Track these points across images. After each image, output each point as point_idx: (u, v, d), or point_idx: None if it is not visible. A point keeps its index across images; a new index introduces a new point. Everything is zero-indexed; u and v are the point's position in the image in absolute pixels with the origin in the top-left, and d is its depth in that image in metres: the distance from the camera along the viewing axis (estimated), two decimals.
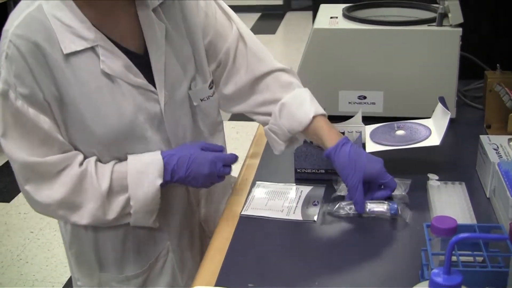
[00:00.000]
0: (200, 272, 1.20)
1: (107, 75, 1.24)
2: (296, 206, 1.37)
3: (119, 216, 1.29)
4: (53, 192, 1.25)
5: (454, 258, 1.02)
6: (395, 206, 1.30)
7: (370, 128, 1.55)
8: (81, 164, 1.27)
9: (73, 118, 1.24)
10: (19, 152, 1.22)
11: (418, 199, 1.36)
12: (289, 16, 7.50)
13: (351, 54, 1.72)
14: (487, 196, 1.36)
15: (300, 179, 1.48)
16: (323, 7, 1.94)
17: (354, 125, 1.52)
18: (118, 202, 1.28)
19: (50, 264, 2.94)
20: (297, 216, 1.34)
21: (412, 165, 1.49)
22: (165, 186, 1.31)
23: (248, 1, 7.49)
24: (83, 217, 1.27)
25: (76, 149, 1.28)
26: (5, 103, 1.19)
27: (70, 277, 1.55)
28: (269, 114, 1.42)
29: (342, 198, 1.36)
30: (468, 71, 1.80)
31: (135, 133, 1.29)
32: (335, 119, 1.50)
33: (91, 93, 1.23)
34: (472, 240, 1.05)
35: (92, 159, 1.28)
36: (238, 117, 3.93)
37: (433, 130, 1.47)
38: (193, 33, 1.37)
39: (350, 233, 1.28)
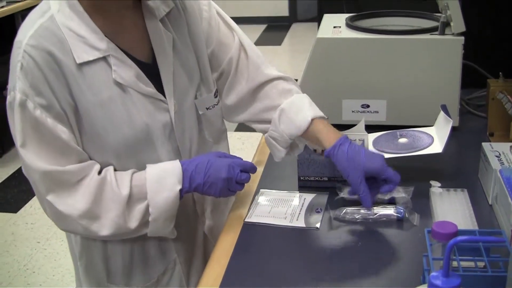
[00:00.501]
0: (204, 277, 1.21)
1: (119, 85, 1.26)
2: (299, 213, 1.38)
3: (140, 224, 1.28)
4: (76, 201, 1.24)
5: (455, 264, 1.03)
6: (402, 209, 1.32)
7: (373, 136, 1.56)
8: (99, 173, 1.27)
9: (86, 127, 1.25)
10: (39, 162, 1.21)
11: (421, 206, 1.36)
12: (295, 27, 7.53)
13: (354, 63, 1.73)
14: (489, 203, 1.37)
15: (304, 187, 1.49)
16: (326, 17, 1.95)
17: (357, 133, 1.53)
18: (138, 209, 1.27)
19: (56, 274, 2.95)
20: (300, 223, 1.35)
21: (415, 172, 1.50)
22: (183, 194, 1.31)
23: (254, 13, 7.54)
24: (104, 226, 1.26)
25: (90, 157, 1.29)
26: (24, 113, 1.19)
27: None
28: (269, 122, 1.42)
29: (347, 203, 1.37)
30: (471, 79, 1.81)
31: (147, 142, 1.31)
32: (338, 128, 1.50)
33: (104, 102, 1.25)
34: (471, 244, 1.05)
35: (111, 168, 1.28)
36: (243, 127, 3.94)
37: (435, 138, 1.48)
38: (197, 43, 1.39)
39: (353, 238, 1.29)
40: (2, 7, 4.04)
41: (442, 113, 1.49)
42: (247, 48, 1.44)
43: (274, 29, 7.48)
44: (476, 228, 1.25)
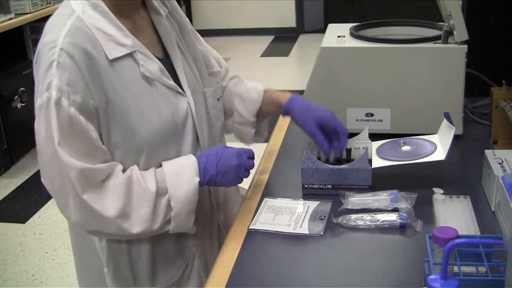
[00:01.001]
0: (208, 284, 1.22)
1: (146, 79, 1.32)
2: (303, 220, 1.39)
3: (164, 221, 1.31)
4: (108, 201, 1.26)
5: (456, 269, 1.04)
6: (405, 216, 1.33)
7: (376, 144, 1.57)
8: (123, 172, 1.30)
9: (118, 123, 1.29)
10: (75, 160, 1.22)
11: (424, 212, 1.37)
12: (302, 38, 7.55)
13: (358, 72, 1.75)
14: (492, 209, 1.37)
15: (308, 195, 1.50)
16: (331, 27, 1.97)
17: (361, 141, 1.55)
18: (162, 205, 1.30)
19: (64, 284, 2.96)
20: (304, 230, 1.35)
21: (418, 179, 1.51)
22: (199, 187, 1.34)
23: (261, 24, 7.56)
24: (135, 224, 1.28)
25: (112, 156, 1.31)
26: (59, 111, 1.21)
27: None
28: (231, 113, 1.64)
29: (350, 210, 1.38)
30: (476, 88, 1.81)
31: (174, 133, 1.37)
32: None
33: (135, 96, 1.30)
34: (472, 249, 1.06)
35: (135, 166, 1.32)
36: None
37: (438, 145, 1.49)
38: (189, 42, 1.51)
39: (357, 245, 1.30)
40: (11, 19, 4.06)
41: (445, 121, 1.50)
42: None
43: (281, 40, 7.49)
44: (478, 234, 1.25)
